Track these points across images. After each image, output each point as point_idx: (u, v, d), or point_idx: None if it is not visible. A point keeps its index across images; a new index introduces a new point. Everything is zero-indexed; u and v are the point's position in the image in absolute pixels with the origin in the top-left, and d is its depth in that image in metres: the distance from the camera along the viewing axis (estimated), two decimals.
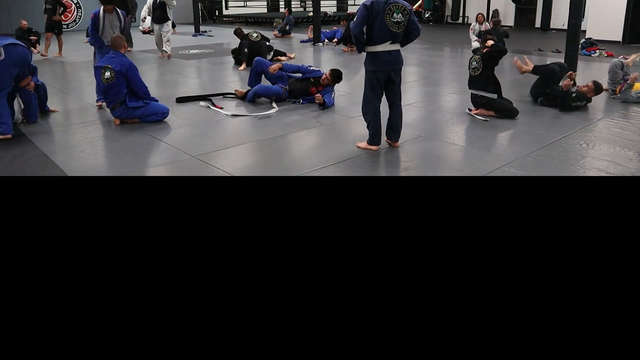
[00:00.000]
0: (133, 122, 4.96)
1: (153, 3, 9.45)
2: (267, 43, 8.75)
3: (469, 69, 5.21)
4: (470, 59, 5.23)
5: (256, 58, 6.26)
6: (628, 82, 5.79)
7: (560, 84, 5.46)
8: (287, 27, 13.52)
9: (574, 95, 5.27)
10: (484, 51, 5.12)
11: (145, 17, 9.86)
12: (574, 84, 5.47)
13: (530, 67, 5.65)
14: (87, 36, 6.84)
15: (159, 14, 9.45)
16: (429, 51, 10.41)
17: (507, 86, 5.82)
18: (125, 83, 4.86)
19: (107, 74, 4.84)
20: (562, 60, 7.64)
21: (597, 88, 5.45)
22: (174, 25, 9.60)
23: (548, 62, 6.01)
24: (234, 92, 6.09)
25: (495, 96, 5.04)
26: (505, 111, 5.02)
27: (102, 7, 5.48)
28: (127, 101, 4.85)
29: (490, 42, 5.35)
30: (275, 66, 6.00)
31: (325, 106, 5.49)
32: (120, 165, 3.86)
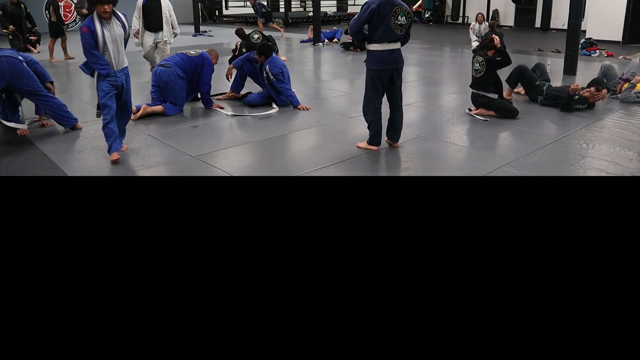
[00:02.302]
0: (154, 110, 5.17)
1: (145, 5, 6.72)
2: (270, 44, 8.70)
3: (472, 69, 5.21)
4: (473, 58, 5.21)
5: (236, 63, 6.07)
6: (631, 82, 5.80)
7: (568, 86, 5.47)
8: (263, 10, 13.04)
9: (576, 97, 5.29)
10: (490, 54, 5.06)
11: (137, 31, 6.76)
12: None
13: (508, 89, 5.72)
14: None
15: (155, 19, 6.79)
16: (429, 51, 10.42)
17: (507, 86, 5.81)
18: (197, 74, 5.37)
19: (193, 52, 5.43)
20: (562, 60, 7.66)
21: (597, 94, 5.45)
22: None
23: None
24: (222, 94, 6.11)
25: (496, 96, 5.05)
26: (505, 111, 5.02)
27: (94, 14, 3.62)
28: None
29: (497, 40, 5.24)
30: (228, 71, 6.01)
31: (289, 100, 5.51)
32: (120, 165, 3.86)
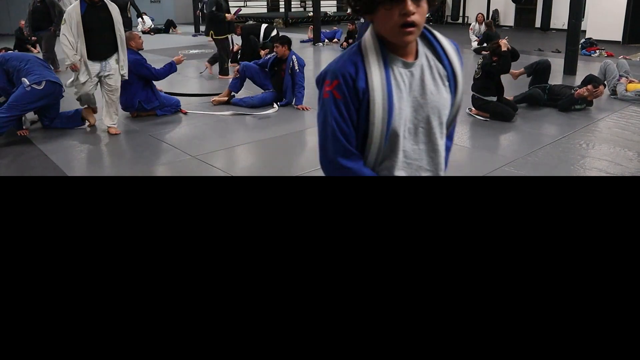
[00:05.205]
0: (148, 114, 5.20)
1: (84, 16, 4.28)
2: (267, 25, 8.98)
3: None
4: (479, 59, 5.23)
5: (243, 63, 6.10)
6: (620, 81, 5.84)
7: (572, 90, 5.44)
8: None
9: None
10: (495, 59, 5.02)
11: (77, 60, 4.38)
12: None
13: (521, 70, 5.78)
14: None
15: (102, 40, 4.37)
16: None
17: (509, 86, 5.80)
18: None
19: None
20: (562, 60, 7.65)
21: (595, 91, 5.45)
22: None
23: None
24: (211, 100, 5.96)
25: (494, 99, 5.02)
26: (498, 114, 4.98)
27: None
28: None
29: (504, 43, 5.15)
30: (234, 73, 6.03)
31: (298, 103, 5.54)
32: (120, 165, 3.86)
